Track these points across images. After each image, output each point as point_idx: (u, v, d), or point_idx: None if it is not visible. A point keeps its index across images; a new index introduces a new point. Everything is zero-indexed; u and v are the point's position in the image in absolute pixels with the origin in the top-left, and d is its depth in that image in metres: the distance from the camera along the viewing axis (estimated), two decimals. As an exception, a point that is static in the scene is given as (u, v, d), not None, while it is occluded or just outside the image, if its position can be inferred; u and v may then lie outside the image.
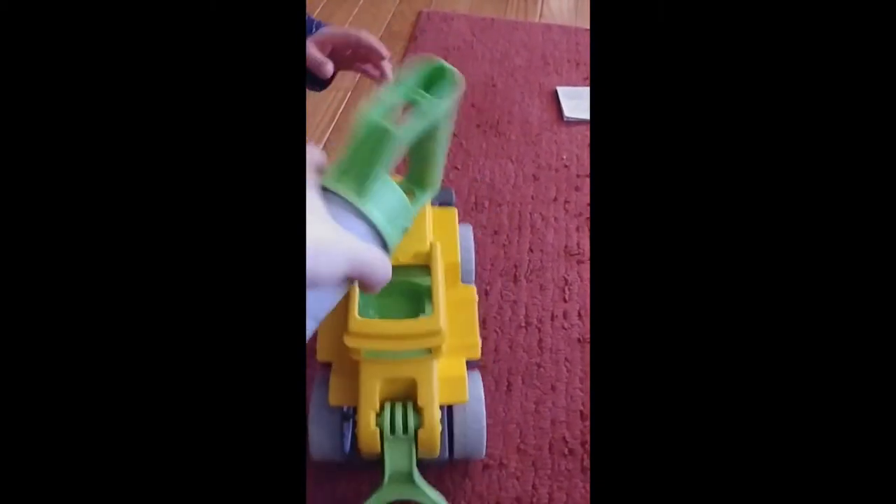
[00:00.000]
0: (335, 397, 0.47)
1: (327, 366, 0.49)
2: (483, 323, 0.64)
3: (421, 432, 0.45)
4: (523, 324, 0.65)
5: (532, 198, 0.79)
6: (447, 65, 0.36)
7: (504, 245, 0.73)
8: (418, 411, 0.46)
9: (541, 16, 1.20)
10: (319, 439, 0.48)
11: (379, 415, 0.45)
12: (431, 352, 0.46)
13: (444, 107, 0.36)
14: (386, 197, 0.36)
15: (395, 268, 0.46)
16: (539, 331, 0.64)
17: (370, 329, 0.44)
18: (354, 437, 0.48)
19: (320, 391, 0.48)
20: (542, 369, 0.61)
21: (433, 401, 0.46)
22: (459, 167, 0.83)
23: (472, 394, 0.50)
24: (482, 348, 0.62)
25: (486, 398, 0.58)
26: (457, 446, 0.49)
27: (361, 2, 1.18)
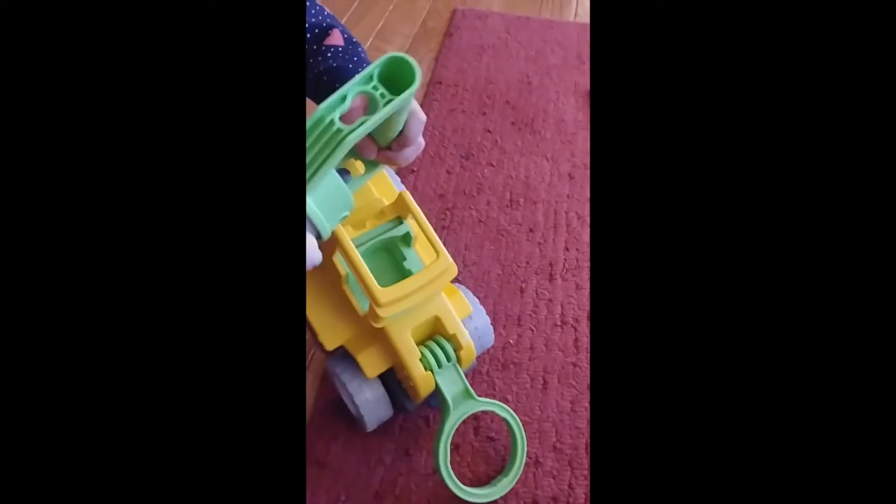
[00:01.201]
0: (371, 370, 0.49)
1: (333, 352, 0.51)
2: (518, 320, 0.64)
3: (461, 354, 0.49)
4: (559, 322, 0.64)
5: (567, 196, 0.79)
6: (408, 60, 0.36)
7: (539, 243, 0.72)
8: (450, 339, 0.49)
9: (576, 15, 1.19)
10: (374, 411, 0.50)
11: (422, 359, 0.48)
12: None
13: (398, 104, 0.36)
14: (330, 191, 0.39)
15: (367, 232, 0.49)
16: (575, 330, 0.63)
17: (396, 294, 0.46)
18: (401, 391, 0.51)
19: (349, 373, 0.49)
20: (577, 368, 0.60)
21: (459, 324, 0.49)
22: (494, 164, 0.82)
23: (465, 291, 0.55)
24: (517, 345, 0.62)
25: (521, 396, 0.58)
26: (476, 345, 0.52)
27: (396, -1, 1.18)
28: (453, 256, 0.64)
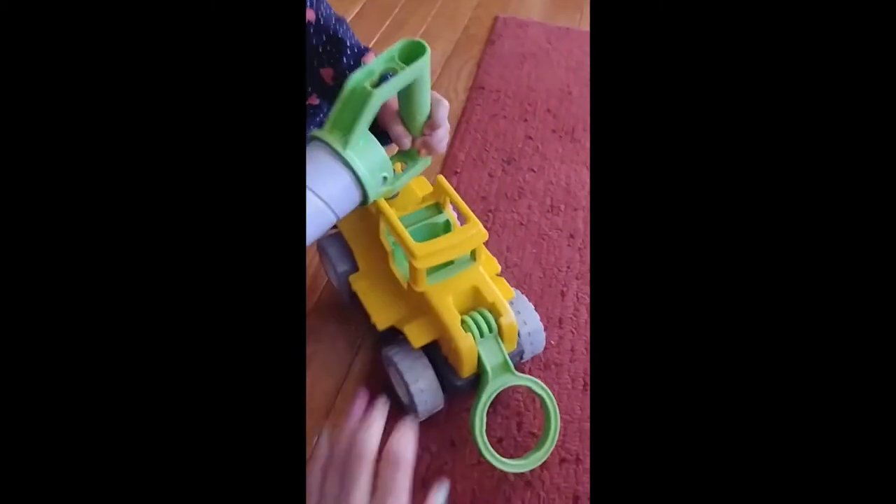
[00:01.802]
0: (417, 340, 0.51)
1: (387, 341, 0.54)
2: (559, 322, 0.65)
3: (501, 321, 0.50)
4: (599, 326, 0.65)
5: (606, 205, 0.80)
6: (420, 41, 0.45)
7: (580, 249, 0.74)
8: (490, 309, 0.51)
9: (614, 28, 1.21)
10: (427, 401, 0.52)
11: (463, 325, 0.50)
12: (474, 258, 0.53)
13: (414, 71, 0.45)
14: (367, 149, 0.46)
15: (409, 215, 0.54)
16: (614, 334, 0.65)
17: (430, 248, 0.50)
18: (448, 368, 0.52)
19: (406, 361, 0.52)
20: (616, 372, 0.61)
21: (498, 294, 0.52)
22: (535, 170, 0.84)
23: (517, 294, 0.57)
24: (559, 347, 0.63)
25: (562, 396, 0.59)
26: (522, 339, 0.55)
27: (438, 4, 1.20)
28: (496, 257, 0.65)
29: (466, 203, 0.79)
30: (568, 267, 0.71)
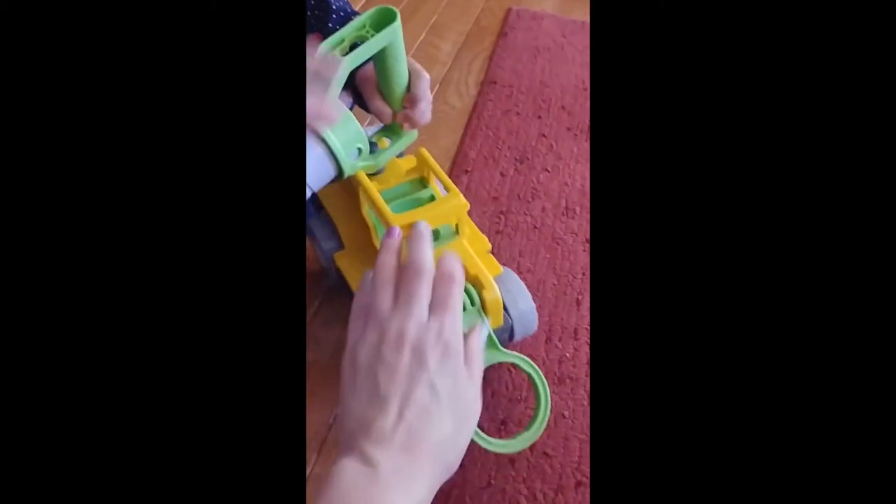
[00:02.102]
0: None
1: None
2: (574, 333, 0.62)
3: (484, 294, 0.47)
4: (616, 338, 0.62)
5: (623, 208, 0.77)
6: (392, 8, 0.44)
7: (595, 254, 0.70)
8: (472, 282, 0.48)
9: (631, 22, 1.17)
10: None
11: None
12: (458, 232, 0.51)
13: (384, 38, 0.44)
14: (340, 121, 0.44)
15: (392, 189, 0.52)
16: (632, 347, 0.61)
17: (407, 219, 0.47)
18: None
19: None
20: (635, 387, 0.58)
21: (481, 266, 0.49)
22: (550, 169, 0.80)
23: (506, 271, 0.54)
24: (574, 360, 0.60)
25: (577, 413, 0.56)
26: (513, 317, 0.51)
27: (450, -6, 1.16)
28: (508, 262, 0.62)
29: (477, 204, 0.76)
30: (584, 274, 0.68)
